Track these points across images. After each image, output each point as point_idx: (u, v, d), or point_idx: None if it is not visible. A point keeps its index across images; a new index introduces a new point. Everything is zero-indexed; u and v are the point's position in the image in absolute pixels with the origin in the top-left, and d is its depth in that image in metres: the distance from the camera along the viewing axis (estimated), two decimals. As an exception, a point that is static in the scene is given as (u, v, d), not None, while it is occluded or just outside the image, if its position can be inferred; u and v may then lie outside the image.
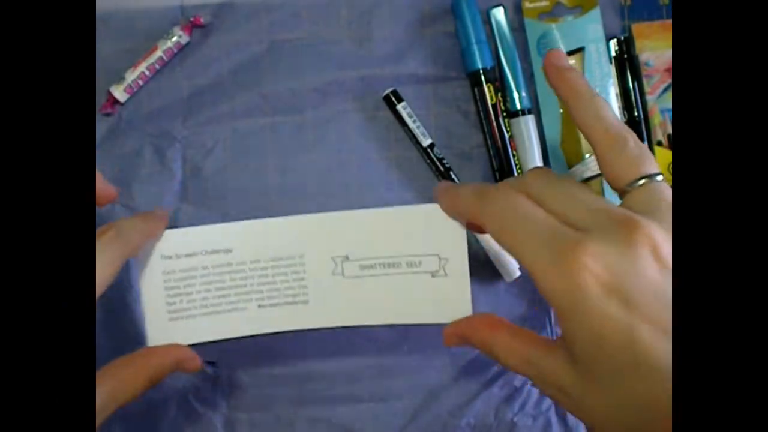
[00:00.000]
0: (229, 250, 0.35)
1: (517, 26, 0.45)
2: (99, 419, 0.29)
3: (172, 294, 0.34)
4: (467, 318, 0.33)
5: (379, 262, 0.34)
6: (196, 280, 0.34)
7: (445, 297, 0.34)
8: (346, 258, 0.34)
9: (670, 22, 0.45)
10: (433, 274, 0.34)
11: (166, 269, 0.34)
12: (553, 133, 0.44)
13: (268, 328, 0.36)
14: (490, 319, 0.31)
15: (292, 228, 0.35)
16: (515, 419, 0.45)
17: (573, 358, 0.25)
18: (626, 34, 0.44)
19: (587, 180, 0.43)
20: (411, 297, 0.35)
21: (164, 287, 0.34)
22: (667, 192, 0.25)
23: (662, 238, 0.22)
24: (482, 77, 0.43)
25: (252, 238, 0.35)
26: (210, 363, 0.44)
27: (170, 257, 0.34)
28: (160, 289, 0.34)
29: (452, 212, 0.33)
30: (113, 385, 0.31)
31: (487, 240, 0.43)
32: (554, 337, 0.45)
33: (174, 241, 0.34)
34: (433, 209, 0.33)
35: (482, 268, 0.44)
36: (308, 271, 0.35)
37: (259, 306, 0.35)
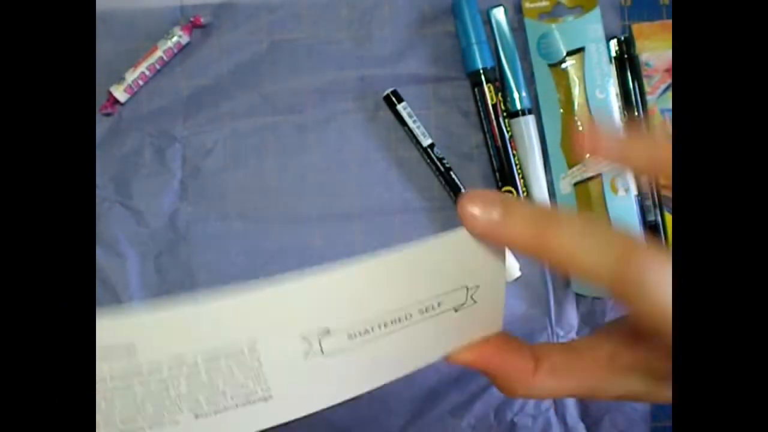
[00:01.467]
0: (130, 348, 0.24)
1: (517, 26, 0.45)
2: None
3: None
4: (488, 358, 0.27)
5: (378, 322, 0.25)
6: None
7: (472, 323, 0.27)
8: (326, 332, 0.25)
9: (670, 22, 0.45)
10: (458, 308, 0.26)
11: None
12: (553, 133, 0.44)
13: None
14: (519, 363, 0.27)
15: (230, 312, 0.24)
16: (515, 419, 0.45)
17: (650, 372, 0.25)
18: (626, 34, 0.44)
19: (587, 180, 0.43)
20: (426, 342, 0.27)
21: None
22: None
23: None
24: (482, 77, 0.43)
25: (165, 332, 0.24)
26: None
27: None
28: None
29: (496, 240, 0.24)
30: None
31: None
32: (555, 338, 0.45)
33: None
34: (454, 239, 0.25)
35: (482, 268, 0.44)
36: (266, 361, 0.24)
37: (197, 416, 0.25)
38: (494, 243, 0.24)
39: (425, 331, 0.26)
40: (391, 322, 0.25)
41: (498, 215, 0.23)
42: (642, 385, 0.24)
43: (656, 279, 0.21)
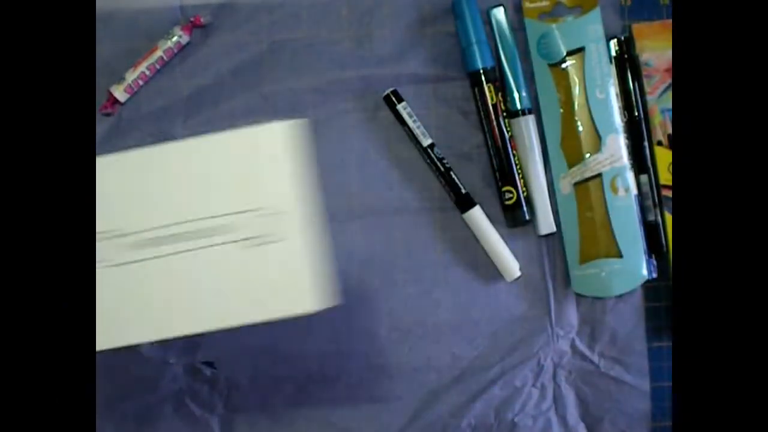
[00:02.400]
0: None
1: (517, 26, 0.45)
2: None
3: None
4: None
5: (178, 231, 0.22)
6: None
7: (271, 277, 0.22)
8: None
9: (670, 22, 0.45)
10: (250, 242, 0.22)
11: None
12: (553, 133, 0.44)
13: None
14: None
15: None
16: (515, 419, 0.45)
17: None
18: (626, 34, 0.44)
19: (587, 180, 0.43)
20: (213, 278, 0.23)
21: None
22: None
23: None
24: (482, 77, 0.43)
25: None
26: (208, 364, 0.44)
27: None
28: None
29: None
30: None
31: (488, 240, 0.43)
32: (555, 337, 0.45)
33: None
34: (240, 134, 0.20)
35: (482, 268, 0.44)
36: None
37: None
38: None
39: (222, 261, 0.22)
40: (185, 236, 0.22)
41: None
42: None
43: None
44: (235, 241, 0.22)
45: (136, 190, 0.22)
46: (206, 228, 0.22)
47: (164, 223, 0.22)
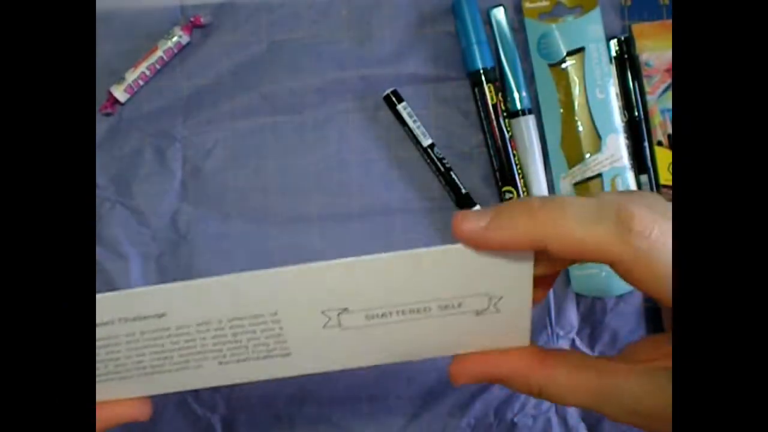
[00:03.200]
0: (161, 314, 0.26)
1: (517, 26, 0.45)
2: None
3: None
4: (494, 355, 0.27)
5: (396, 309, 0.26)
6: (121, 347, 0.27)
7: (494, 331, 0.27)
8: (345, 310, 0.26)
9: (670, 22, 0.45)
10: (479, 312, 0.26)
11: None
12: (554, 133, 0.44)
13: (237, 380, 0.29)
14: (536, 359, 0.26)
15: (254, 286, 0.26)
16: (515, 419, 0.45)
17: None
18: (626, 34, 0.44)
19: (587, 180, 0.43)
20: (443, 336, 0.27)
21: None
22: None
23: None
24: (482, 77, 0.43)
25: (194, 301, 0.26)
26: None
27: None
28: None
29: (508, 243, 0.23)
30: None
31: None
32: (555, 337, 0.45)
33: None
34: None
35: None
36: (287, 327, 0.27)
37: (220, 363, 0.28)
38: (485, 248, 0.24)
39: (444, 327, 0.27)
40: (410, 312, 0.26)
41: (488, 218, 0.23)
42: (664, 382, 0.23)
43: (657, 244, 0.21)
44: (463, 313, 0.26)
45: (369, 284, 0.26)
46: (436, 306, 0.26)
47: (394, 303, 0.26)
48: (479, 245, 0.23)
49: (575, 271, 0.44)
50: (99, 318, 0.26)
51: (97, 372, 0.28)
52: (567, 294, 0.45)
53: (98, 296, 0.26)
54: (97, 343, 0.27)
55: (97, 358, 0.27)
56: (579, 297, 0.45)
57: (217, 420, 0.44)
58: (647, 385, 0.24)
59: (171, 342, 0.27)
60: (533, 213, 0.22)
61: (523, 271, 0.25)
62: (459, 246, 0.24)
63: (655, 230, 0.21)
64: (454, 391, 0.44)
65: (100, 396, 0.28)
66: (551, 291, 0.45)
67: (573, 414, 0.45)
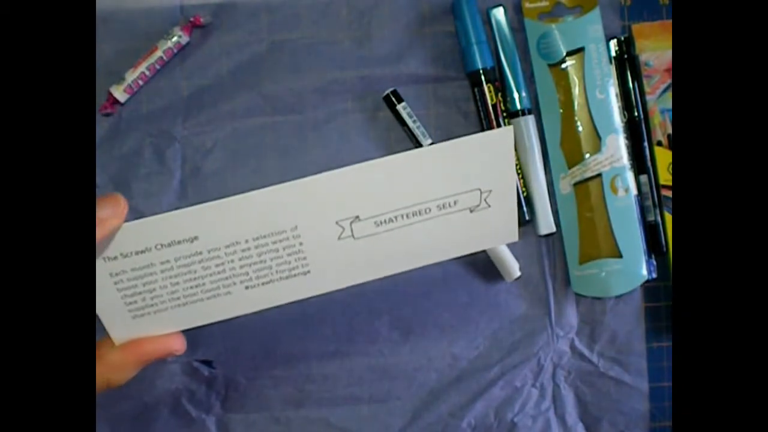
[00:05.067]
0: (194, 238, 0.29)
1: (517, 26, 0.45)
2: None
3: (130, 294, 0.30)
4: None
5: (401, 213, 0.29)
6: (157, 276, 0.30)
7: (487, 227, 0.30)
8: (357, 218, 0.29)
9: (670, 22, 0.45)
10: (473, 209, 0.30)
11: (113, 271, 0.29)
12: (553, 133, 0.44)
13: (262, 305, 0.31)
14: None
15: (276, 200, 0.29)
16: (515, 419, 0.45)
17: None
18: (626, 34, 0.44)
19: (587, 180, 0.43)
20: (444, 236, 0.31)
21: (116, 289, 0.29)
22: None
23: None
24: (482, 77, 0.43)
25: (223, 220, 0.29)
26: (206, 363, 0.44)
27: (115, 258, 0.29)
28: (112, 291, 0.29)
29: None
30: (101, 370, 0.29)
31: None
32: (555, 338, 0.45)
33: (120, 237, 0.29)
34: (467, 142, 0.29)
35: (482, 268, 0.44)
36: (306, 242, 0.30)
37: (247, 287, 0.31)
38: None
39: (444, 226, 0.30)
40: (413, 214, 0.30)
41: None
42: None
43: None
44: (459, 211, 0.30)
45: (376, 189, 0.29)
46: (435, 206, 0.30)
47: (398, 206, 0.29)
48: None
49: (575, 271, 0.44)
50: (135, 246, 0.29)
51: (134, 306, 0.30)
52: (567, 294, 0.45)
53: (133, 223, 0.29)
54: (134, 273, 0.29)
55: (135, 290, 0.30)
56: (579, 297, 0.45)
57: (212, 422, 0.44)
58: None
59: (203, 267, 0.30)
60: None
61: (509, 164, 0.29)
62: (453, 142, 0.28)
63: None
64: (454, 392, 0.45)
65: (138, 332, 0.31)
66: (551, 291, 0.45)
67: (572, 414, 0.45)
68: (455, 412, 0.45)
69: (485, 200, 0.30)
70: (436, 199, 0.29)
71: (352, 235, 0.30)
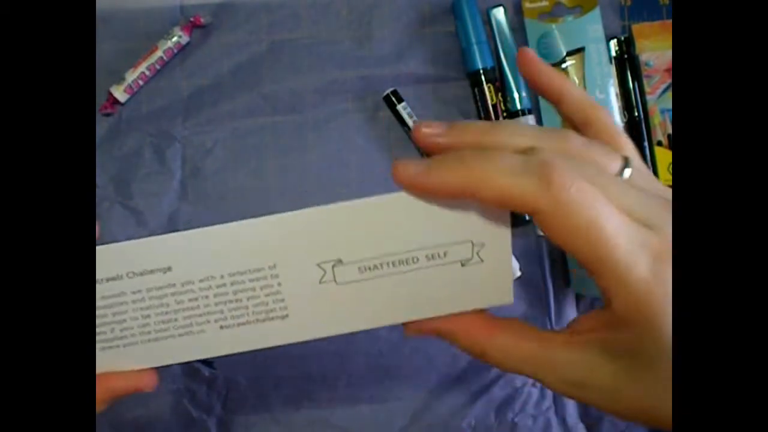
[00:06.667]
0: (167, 269, 0.28)
1: (517, 26, 0.45)
2: None
3: (99, 324, 0.29)
4: (453, 318, 0.29)
5: (387, 260, 0.28)
6: (128, 306, 0.28)
7: (479, 284, 0.29)
8: (339, 262, 0.28)
9: (670, 22, 0.45)
10: (464, 263, 0.28)
11: None
12: (553, 133, 0.44)
13: (236, 348, 0.30)
14: (483, 321, 0.28)
15: (255, 233, 0.28)
16: (516, 420, 0.45)
17: (607, 345, 0.24)
18: (626, 34, 0.44)
19: (587, 180, 0.43)
20: (432, 291, 0.29)
21: None
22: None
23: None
24: (482, 77, 0.43)
25: (199, 251, 0.28)
26: (207, 364, 0.44)
27: None
28: None
29: (424, 190, 0.25)
30: None
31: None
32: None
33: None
34: None
35: (482, 268, 0.44)
36: (284, 283, 0.28)
37: (222, 327, 0.29)
38: (422, 193, 0.25)
39: (432, 279, 0.28)
40: (399, 263, 0.28)
41: (425, 166, 0.24)
42: (601, 361, 0.24)
43: (576, 197, 0.22)
44: (449, 263, 0.28)
45: (361, 230, 0.28)
46: (423, 256, 0.28)
47: (384, 253, 0.28)
48: (416, 189, 0.25)
49: (575, 271, 0.44)
50: (107, 272, 0.28)
51: (103, 337, 0.29)
52: (567, 294, 0.45)
53: (105, 247, 0.27)
54: (104, 302, 0.28)
55: (104, 320, 0.28)
56: (579, 297, 0.45)
57: (213, 422, 0.44)
58: (579, 355, 0.25)
59: (176, 301, 0.28)
60: (465, 162, 0.24)
61: (503, 219, 0.27)
62: None
63: (574, 185, 0.22)
64: (454, 392, 0.45)
65: (105, 367, 0.29)
66: (551, 291, 0.45)
67: (572, 414, 0.45)
68: (455, 412, 0.44)
69: (477, 254, 0.28)
70: (424, 248, 0.28)
71: (334, 280, 0.28)
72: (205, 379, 0.44)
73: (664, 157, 0.43)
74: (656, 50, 0.44)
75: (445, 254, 0.28)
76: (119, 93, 0.43)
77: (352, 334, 0.30)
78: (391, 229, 0.28)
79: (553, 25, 0.44)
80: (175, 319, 0.29)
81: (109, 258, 0.27)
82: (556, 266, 0.45)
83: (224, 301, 0.29)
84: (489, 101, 0.43)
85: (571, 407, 0.45)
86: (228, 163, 0.44)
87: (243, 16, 0.45)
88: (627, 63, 0.44)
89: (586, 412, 0.45)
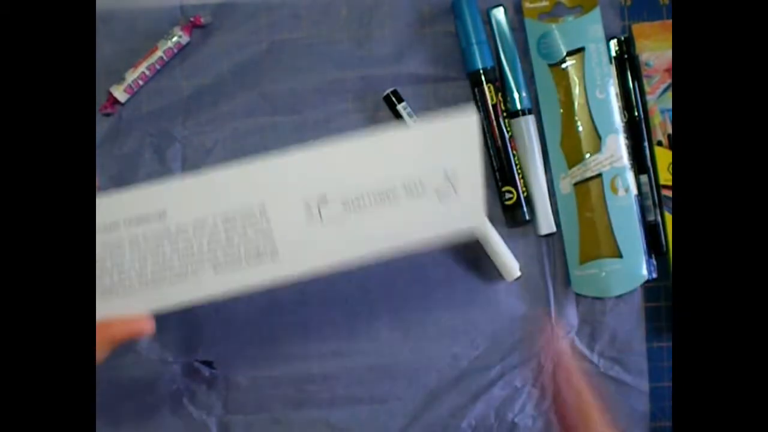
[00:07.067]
0: (162, 214, 0.29)
1: (517, 26, 0.45)
2: None
3: (99, 271, 0.30)
4: None
5: (368, 195, 0.30)
6: (125, 253, 0.29)
7: (454, 211, 0.31)
8: (324, 199, 0.30)
9: (670, 22, 0.45)
10: (439, 191, 0.31)
11: None
12: (553, 133, 0.44)
13: (229, 289, 0.31)
14: None
15: (244, 177, 0.30)
16: (516, 420, 0.45)
17: None
18: (626, 34, 0.44)
19: (587, 180, 0.43)
20: (412, 221, 0.31)
21: None
22: None
23: None
24: (482, 77, 0.43)
25: (192, 197, 0.30)
26: (207, 364, 0.44)
27: None
28: None
29: None
30: None
31: (488, 240, 0.43)
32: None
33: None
34: (434, 127, 0.30)
35: (482, 268, 0.44)
36: (274, 222, 0.30)
37: (215, 269, 0.30)
38: None
39: (411, 210, 0.31)
40: (380, 197, 0.30)
41: None
42: None
43: None
44: (425, 194, 0.30)
45: (343, 169, 0.30)
46: (401, 187, 0.30)
47: (366, 188, 0.30)
48: None
49: (575, 271, 0.44)
50: (105, 220, 0.29)
51: (103, 285, 0.30)
52: (567, 294, 0.45)
53: (103, 196, 0.29)
54: (103, 251, 0.30)
55: (104, 267, 0.30)
56: (579, 297, 0.45)
57: (214, 422, 0.44)
58: None
59: (171, 246, 0.30)
60: None
61: (473, 148, 0.30)
62: (420, 127, 0.30)
63: None
64: (454, 392, 0.44)
65: (104, 313, 0.30)
66: (551, 291, 0.45)
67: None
68: (455, 413, 0.44)
69: (450, 182, 0.30)
70: (402, 182, 0.30)
71: (320, 217, 0.30)
72: (205, 379, 0.44)
73: (664, 157, 0.43)
74: (656, 50, 0.44)
75: (421, 184, 0.31)
76: (119, 93, 0.43)
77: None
78: (371, 166, 0.30)
79: (553, 25, 0.44)
80: (171, 264, 0.30)
81: (107, 207, 0.29)
82: (556, 266, 0.45)
83: (217, 242, 0.30)
84: (489, 101, 0.43)
85: (571, 407, 0.45)
86: (228, 163, 0.44)
87: (243, 16, 0.45)
88: (627, 63, 0.44)
89: (586, 412, 0.45)
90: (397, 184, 0.30)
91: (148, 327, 0.31)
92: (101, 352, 0.30)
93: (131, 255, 0.30)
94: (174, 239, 0.30)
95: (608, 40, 0.44)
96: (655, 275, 0.43)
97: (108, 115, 0.44)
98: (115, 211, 0.29)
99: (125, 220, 0.29)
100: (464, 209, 0.31)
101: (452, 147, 0.30)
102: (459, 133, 0.30)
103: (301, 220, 0.30)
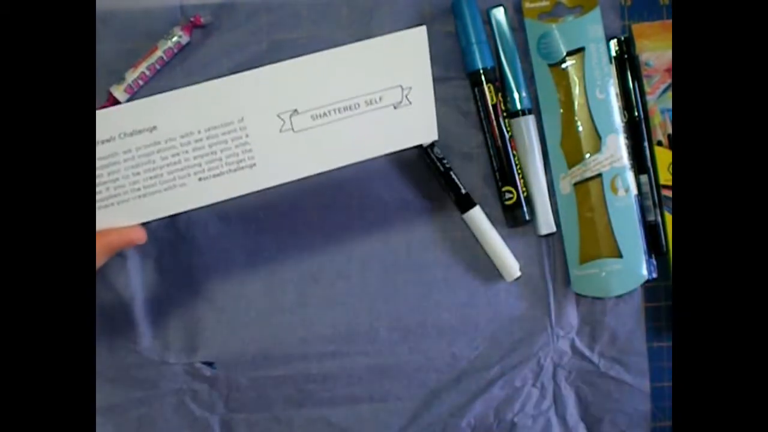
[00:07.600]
0: (152, 128, 0.33)
1: (517, 26, 0.45)
2: None
3: (95, 184, 0.33)
4: None
5: (334, 107, 0.34)
6: (120, 165, 0.33)
7: (410, 124, 0.35)
8: (295, 111, 0.34)
9: (670, 22, 0.45)
10: (396, 106, 0.35)
11: None
12: (553, 133, 0.44)
13: (213, 198, 0.35)
14: None
15: (225, 90, 0.34)
16: (515, 419, 0.45)
17: None
18: (626, 34, 0.44)
19: (587, 180, 0.43)
20: (373, 132, 0.35)
21: None
22: None
23: None
24: (482, 77, 0.43)
25: (178, 110, 0.33)
26: (208, 364, 0.44)
27: None
28: None
29: None
30: None
31: (488, 240, 0.43)
32: (555, 337, 0.45)
33: None
34: (388, 40, 0.33)
35: (482, 268, 0.44)
36: (251, 134, 0.34)
37: (200, 179, 0.34)
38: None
39: (371, 121, 0.35)
40: (344, 109, 0.34)
41: None
42: None
43: None
44: (384, 107, 0.34)
45: (305, 84, 0.34)
46: (363, 101, 0.34)
47: (331, 101, 0.34)
48: None
49: (575, 271, 0.44)
50: (101, 135, 0.33)
51: (100, 196, 0.33)
52: (567, 294, 0.45)
53: (99, 112, 0.32)
54: (100, 163, 0.33)
55: (100, 180, 0.33)
56: (579, 297, 0.45)
57: (216, 421, 0.44)
58: None
59: (161, 158, 0.33)
60: None
61: (424, 60, 0.34)
62: (373, 39, 0.33)
63: None
64: (454, 392, 0.45)
65: (103, 223, 0.33)
66: (551, 291, 0.45)
67: (573, 414, 0.45)
68: (455, 412, 0.45)
69: (406, 97, 0.34)
70: (363, 95, 0.34)
71: (292, 129, 0.34)
72: (207, 379, 0.44)
73: (664, 157, 0.43)
74: (656, 50, 0.44)
75: (380, 99, 0.34)
76: (119, 93, 0.43)
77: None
78: (336, 81, 0.34)
79: (553, 25, 0.44)
80: (161, 175, 0.34)
81: (102, 121, 0.33)
82: (556, 266, 0.45)
83: (202, 155, 0.34)
84: (489, 101, 0.43)
85: (571, 406, 0.45)
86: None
87: (243, 16, 0.45)
88: (627, 63, 0.44)
89: (586, 412, 0.45)
90: (358, 96, 0.34)
91: (141, 235, 0.35)
92: (100, 258, 0.33)
93: (125, 167, 0.33)
94: (164, 151, 0.33)
95: (608, 40, 0.44)
96: (655, 275, 0.43)
97: (108, 115, 0.44)
98: (111, 125, 0.33)
99: (120, 134, 0.33)
100: (418, 122, 0.35)
101: (404, 60, 0.34)
102: (409, 46, 0.33)
103: (275, 131, 0.34)
